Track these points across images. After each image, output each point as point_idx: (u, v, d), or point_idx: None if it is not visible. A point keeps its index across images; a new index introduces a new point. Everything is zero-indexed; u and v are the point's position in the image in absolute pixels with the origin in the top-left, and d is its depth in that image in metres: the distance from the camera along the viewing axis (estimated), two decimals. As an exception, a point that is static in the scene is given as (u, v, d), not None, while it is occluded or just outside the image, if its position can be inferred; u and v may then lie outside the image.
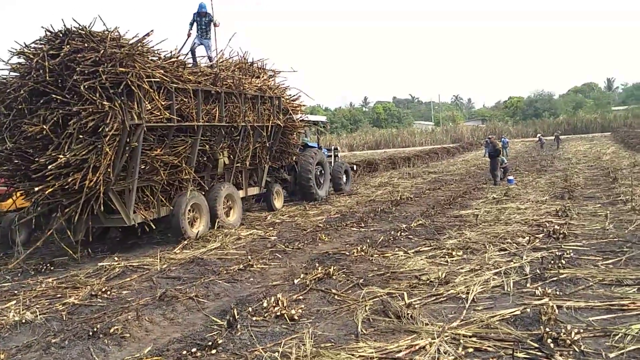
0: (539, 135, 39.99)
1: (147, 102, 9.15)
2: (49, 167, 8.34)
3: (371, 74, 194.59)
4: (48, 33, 9.00)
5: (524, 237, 8.54)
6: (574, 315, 5.00)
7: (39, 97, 8.71)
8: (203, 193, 11.10)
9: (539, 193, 13.89)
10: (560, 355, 4.07)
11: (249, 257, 8.39)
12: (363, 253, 8.16)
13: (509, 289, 5.98)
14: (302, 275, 7.05)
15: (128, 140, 8.88)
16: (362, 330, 4.99)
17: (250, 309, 5.72)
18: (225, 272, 7.70)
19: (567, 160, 24.95)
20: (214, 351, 4.67)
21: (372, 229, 10.64)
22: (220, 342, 4.80)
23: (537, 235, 8.59)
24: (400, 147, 62.22)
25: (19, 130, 8.81)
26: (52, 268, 8.79)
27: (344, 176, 17.77)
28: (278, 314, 5.51)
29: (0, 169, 9.35)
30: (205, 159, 11.44)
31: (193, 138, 10.54)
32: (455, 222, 10.50)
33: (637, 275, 6.01)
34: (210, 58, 12.27)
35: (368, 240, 9.23)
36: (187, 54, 11.89)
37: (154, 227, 10.16)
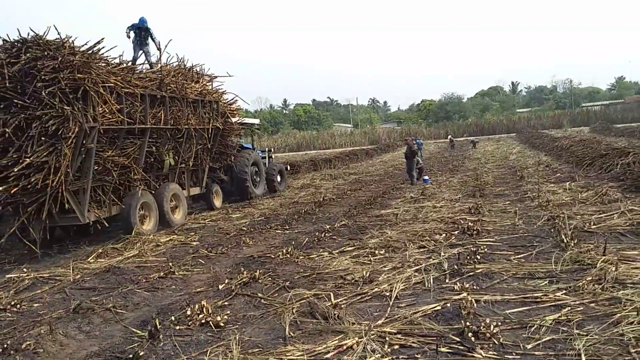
0: (449, 136, 41.83)
1: (101, 106, 9.79)
2: (15, 168, 8.79)
3: (289, 77, 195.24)
4: (4, 42, 9.60)
5: (441, 234, 8.86)
6: (492, 309, 5.24)
7: None
8: (151, 192, 11.73)
9: (452, 192, 14.51)
10: (481, 348, 4.25)
11: (170, 263, 8.12)
12: (288, 255, 8.14)
13: (429, 285, 6.17)
14: (226, 281, 6.91)
15: (84, 142, 9.47)
16: (289, 334, 4.96)
17: (172, 317, 5.52)
18: (144, 280, 7.40)
19: (477, 160, 26.28)
20: (135, 364, 4.46)
21: (296, 230, 10.65)
22: (141, 354, 4.59)
23: (453, 232, 8.94)
24: (321, 149, 62.88)
25: None
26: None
27: (279, 176, 18.37)
28: (203, 321, 5.36)
29: None
30: (152, 160, 12.13)
31: (141, 140, 11.32)
32: (376, 222, 10.73)
33: (548, 269, 6.40)
34: (150, 64, 12.93)
35: (293, 242, 9.22)
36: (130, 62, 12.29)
37: (106, 225, 10.61)
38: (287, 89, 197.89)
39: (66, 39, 9.51)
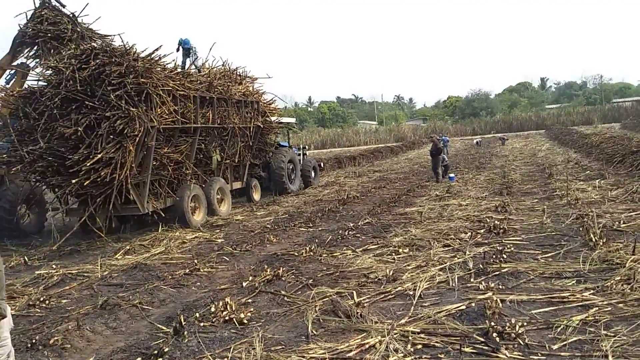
0: (477, 139, 41.04)
1: (160, 107, 10.85)
2: (87, 163, 9.75)
3: (314, 74, 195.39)
4: (75, 49, 10.68)
5: (467, 233, 8.76)
6: (517, 309, 5.16)
7: (69, 104, 10.20)
8: (201, 186, 12.81)
9: (478, 190, 14.33)
10: (506, 348, 4.19)
11: (195, 261, 8.22)
12: (312, 253, 8.15)
13: (454, 284, 6.11)
14: (250, 278, 6.96)
15: (145, 140, 10.44)
16: (312, 332, 4.97)
17: (197, 314, 5.57)
18: (170, 277, 7.50)
19: (504, 158, 25.90)
20: (160, 359, 4.52)
21: (320, 228, 10.65)
22: (166, 350, 4.65)
23: (478, 231, 8.83)
24: (346, 146, 62.78)
25: (51, 132, 10.25)
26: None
27: (313, 172, 19.25)
28: (227, 318, 5.41)
29: (34, 166, 10.51)
30: (201, 156, 13.20)
31: (192, 138, 12.36)
32: (400, 220, 10.67)
33: (575, 268, 6.28)
34: (198, 68, 13.84)
35: (316, 240, 9.22)
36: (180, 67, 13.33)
37: (162, 215, 11.40)
38: (312, 87, 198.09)
39: (130, 47, 10.63)
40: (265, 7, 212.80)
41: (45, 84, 10.68)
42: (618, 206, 9.85)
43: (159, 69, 11.24)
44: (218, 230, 11.29)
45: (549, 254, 7.08)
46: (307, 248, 8.40)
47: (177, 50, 13.68)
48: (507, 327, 4.46)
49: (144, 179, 10.79)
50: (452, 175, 17.62)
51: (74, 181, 9.87)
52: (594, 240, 7.24)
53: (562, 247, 7.37)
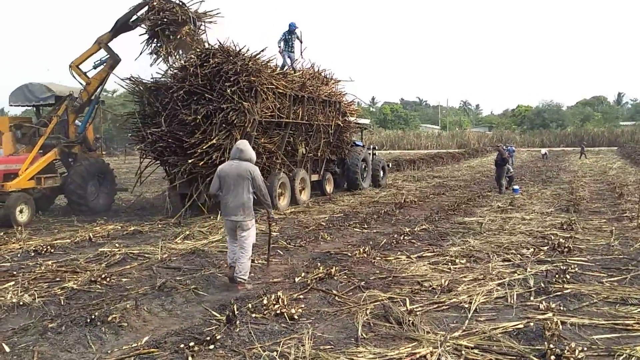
0: (544, 151, 39.43)
1: (262, 102, 12.36)
2: (203, 146, 11.38)
3: (379, 74, 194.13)
4: (196, 50, 12.58)
5: (529, 249, 8.46)
6: (578, 333, 4.92)
7: (191, 96, 11.88)
8: (287, 175, 13.99)
9: (544, 204, 13.81)
10: (564, 373, 4.00)
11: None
12: (365, 255, 8.09)
13: (512, 301, 5.90)
14: (303, 274, 7.00)
15: (248, 130, 11.84)
16: (362, 335, 4.93)
17: (250, 305, 5.66)
18: (226, 265, 7.63)
19: (572, 173, 24.83)
20: (211, 346, 4.61)
21: (374, 230, 10.57)
22: (218, 337, 4.74)
23: (541, 248, 8.49)
24: (406, 149, 62.11)
25: (173, 119, 11.94)
26: (52, 251, 8.77)
27: (382, 172, 19.94)
28: (278, 312, 5.45)
29: (154, 146, 12.24)
30: (289, 148, 14.47)
31: (284, 131, 13.80)
32: (459, 229, 10.42)
33: (643, 295, 5.92)
34: (294, 69, 15.12)
35: (370, 242, 9.16)
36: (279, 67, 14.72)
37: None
38: (376, 87, 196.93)
39: (242, 48, 12.35)
40: (333, 5, 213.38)
41: (170, 79, 12.44)
42: (696, 234, 9.20)
43: (266, 69, 12.71)
44: (274, 224, 11.40)
45: (615, 278, 6.71)
46: (361, 249, 8.36)
47: (279, 47, 14.85)
48: (566, 351, 4.25)
49: None
50: (516, 187, 17.05)
51: (190, 161, 11.45)
52: (665, 267, 6.81)
53: (630, 271, 6.97)
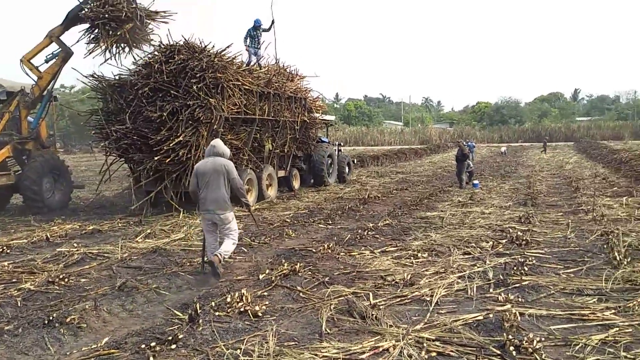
0: (503, 149, 40.28)
1: (229, 99, 12.35)
2: (170, 144, 11.35)
3: (343, 71, 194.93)
4: (159, 46, 12.59)
5: (488, 242, 8.64)
6: (536, 323, 5.06)
7: (156, 93, 11.86)
8: (254, 171, 14.04)
9: (503, 198, 14.13)
10: (522, 363, 4.11)
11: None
12: (330, 251, 8.12)
13: (472, 294, 6.01)
14: (267, 271, 6.97)
15: (214, 126, 11.86)
16: (326, 330, 4.94)
17: (213, 303, 5.60)
18: (188, 264, 7.56)
19: (530, 168, 25.50)
20: (173, 346, 4.54)
21: (339, 226, 10.62)
22: (180, 336, 4.68)
23: (500, 241, 8.69)
24: (370, 145, 62.56)
25: (138, 115, 11.92)
26: (8, 251, 8.48)
27: (347, 168, 20.24)
28: (242, 309, 5.41)
29: (119, 144, 12.11)
30: (255, 144, 14.50)
31: (250, 128, 13.83)
32: (421, 224, 10.57)
33: (598, 286, 6.13)
34: (260, 65, 15.23)
35: (335, 238, 9.19)
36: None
37: None
38: (340, 83, 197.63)
39: (207, 44, 12.30)
40: (297, 2, 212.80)
41: (136, 75, 12.31)
42: (646, 226, 9.59)
43: (232, 66, 12.72)
44: (238, 221, 11.30)
45: (571, 270, 6.92)
46: (325, 245, 8.37)
47: (245, 43, 14.98)
48: (524, 342, 4.37)
49: None
50: (476, 182, 17.41)
51: (156, 158, 11.45)
52: (618, 258, 7.06)
53: (585, 263, 7.20)
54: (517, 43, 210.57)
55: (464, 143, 19.61)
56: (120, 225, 10.94)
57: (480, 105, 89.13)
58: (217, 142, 7.15)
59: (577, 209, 12.04)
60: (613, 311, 5.28)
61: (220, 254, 6.75)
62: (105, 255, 8.22)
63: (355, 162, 24.08)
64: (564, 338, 4.66)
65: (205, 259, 7.02)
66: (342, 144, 22.89)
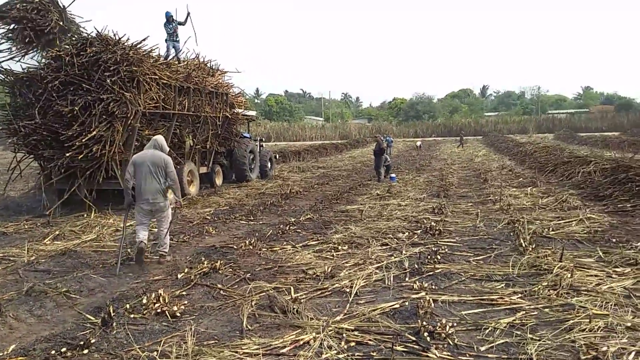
0: (419, 143, 41.74)
1: (146, 93, 12.01)
2: (83, 139, 10.90)
3: (263, 66, 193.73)
4: (70, 38, 12.15)
5: (404, 233, 8.94)
6: (448, 309, 5.30)
7: (67, 86, 11.35)
8: (175, 168, 12.69)
9: (418, 191, 14.66)
10: (436, 348, 4.30)
11: (129, 249, 7.96)
12: (251, 247, 8.08)
13: (389, 283, 6.21)
14: (186, 270, 6.81)
15: (131, 121, 11.55)
16: (247, 326, 4.92)
17: (128, 305, 5.40)
18: (101, 265, 7.25)
19: (443, 161, 26.63)
20: (85, 351, 4.35)
21: (261, 222, 10.58)
22: (93, 341, 4.48)
23: (415, 231, 9.03)
24: (291, 140, 62.70)
25: (48, 110, 11.35)
26: None
27: (269, 163, 20.25)
28: (159, 311, 5.26)
29: (28, 139, 11.54)
30: (176, 140, 14.21)
31: (170, 123, 13.55)
32: (341, 217, 10.75)
33: (505, 272, 6.52)
34: (179, 59, 14.94)
35: (256, 234, 9.15)
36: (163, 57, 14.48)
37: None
38: (260, 78, 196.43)
39: (121, 37, 11.92)
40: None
41: (45, 68, 11.63)
42: (548, 214, 10.31)
43: (148, 59, 12.46)
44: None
45: (481, 257, 7.31)
46: (247, 241, 8.32)
47: (168, 24, 14.74)
48: (438, 327, 4.57)
49: (127, 157, 11.20)
50: (393, 175, 17.93)
51: (67, 154, 10.96)
52: (523, 245, 7.54)
53: (493, 250, 7.63)
54: (430, 40, 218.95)
55: (382, 138, 20.14)
56: (26, 226, 10.28)
57: (397, 102, 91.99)
58: (159, 137, 7.53)
59: (486, 199, 12.72)
60: (520, 295, 5.62)
61: (161, 251, 7.41)
62: (11, 258, 7.71)
63: (277, 157, 24.17)
64: (474, 322, 4.92)
65: (122, 258, 6.83)
66: (263, 139, 22.89)
